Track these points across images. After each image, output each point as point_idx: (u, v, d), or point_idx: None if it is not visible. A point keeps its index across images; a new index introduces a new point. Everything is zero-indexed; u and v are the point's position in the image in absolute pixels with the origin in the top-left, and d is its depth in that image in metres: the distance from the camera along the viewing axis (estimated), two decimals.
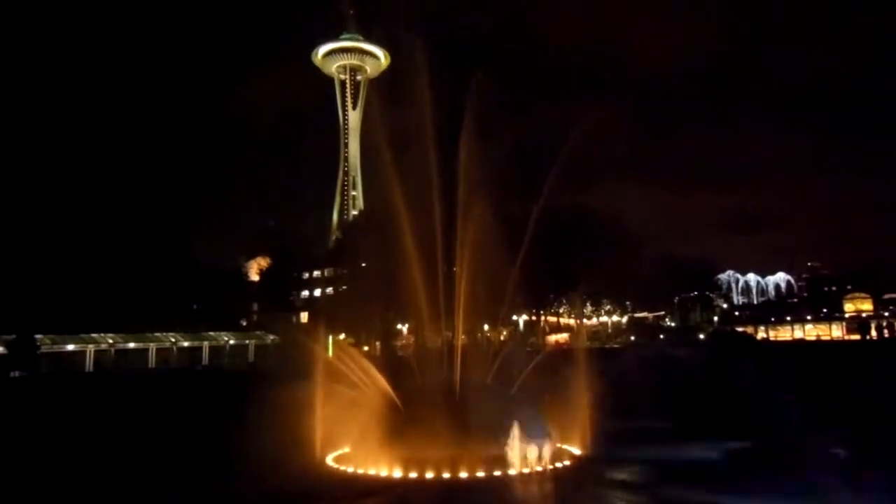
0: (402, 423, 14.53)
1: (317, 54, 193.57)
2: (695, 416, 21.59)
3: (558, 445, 15.29)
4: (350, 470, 14.31)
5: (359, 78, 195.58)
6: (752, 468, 14.30)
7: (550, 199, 18.08)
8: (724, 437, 17.69)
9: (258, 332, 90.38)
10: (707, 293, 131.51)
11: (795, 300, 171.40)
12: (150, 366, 71.18)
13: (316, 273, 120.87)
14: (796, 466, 12.77)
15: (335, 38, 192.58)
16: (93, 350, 68.66)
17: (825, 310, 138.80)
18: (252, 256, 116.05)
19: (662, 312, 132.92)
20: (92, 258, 76.84)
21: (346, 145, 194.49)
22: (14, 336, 56.98)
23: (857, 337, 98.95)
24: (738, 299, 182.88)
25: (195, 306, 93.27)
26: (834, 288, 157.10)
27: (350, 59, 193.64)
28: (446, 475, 13.23)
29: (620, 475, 13.72)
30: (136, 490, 13.88)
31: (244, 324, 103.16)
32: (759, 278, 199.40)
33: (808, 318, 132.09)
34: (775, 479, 13.24)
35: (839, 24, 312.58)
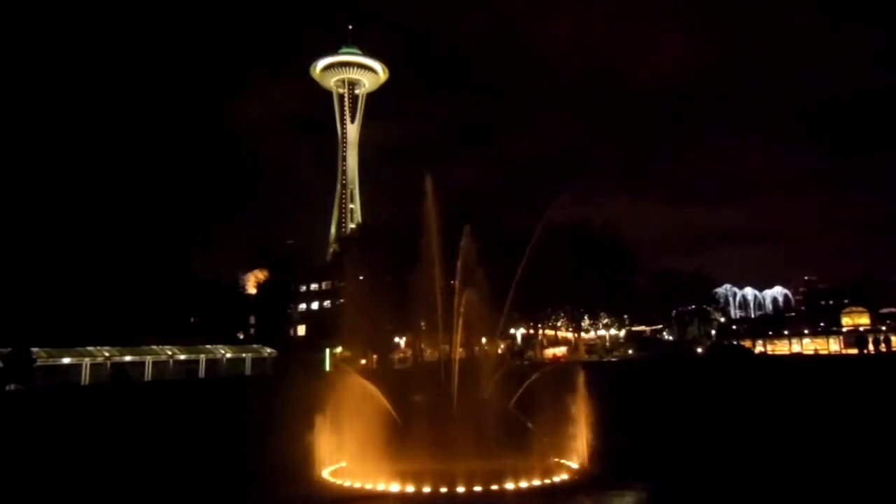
0: (399, 437, 14.52)
1: (315, 68, 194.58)
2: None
3: (555, 460, 15.26)
4: (346, 484, 14.26)
5: (357, 91, 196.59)
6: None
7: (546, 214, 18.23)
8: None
9: (255, 346, 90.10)
10: (705, 307, 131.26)
11: (793, 314, 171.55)
12: (146, 378, 70.84)
13: (314, 286, 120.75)
14: None
15: (334, 51, 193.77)
16: (89, 363, 68.31)
17: (822, 324, 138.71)
18: (250, 269, 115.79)
19: (660, 326, 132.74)
20: (89, 271, 76.60)
21: (345, 158, 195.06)
22: (9, 349, 56.67)
23: (854, 351, 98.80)
24: (735, 313, 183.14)
25: (192, 319, 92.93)
26: (831, 302, 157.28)
27: (348, 72, 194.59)
28: (443, 489, 13.18)
29: (619, 490, 13.68)
30: None
31: (241, 337, 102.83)
32: (757, 292, 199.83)
33: (806, 331, 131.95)
34: None
35: (838, 40, 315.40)
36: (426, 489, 13.25)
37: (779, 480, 14.36)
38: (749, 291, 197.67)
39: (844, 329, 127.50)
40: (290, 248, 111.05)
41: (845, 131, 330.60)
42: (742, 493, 13.43)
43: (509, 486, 13.45)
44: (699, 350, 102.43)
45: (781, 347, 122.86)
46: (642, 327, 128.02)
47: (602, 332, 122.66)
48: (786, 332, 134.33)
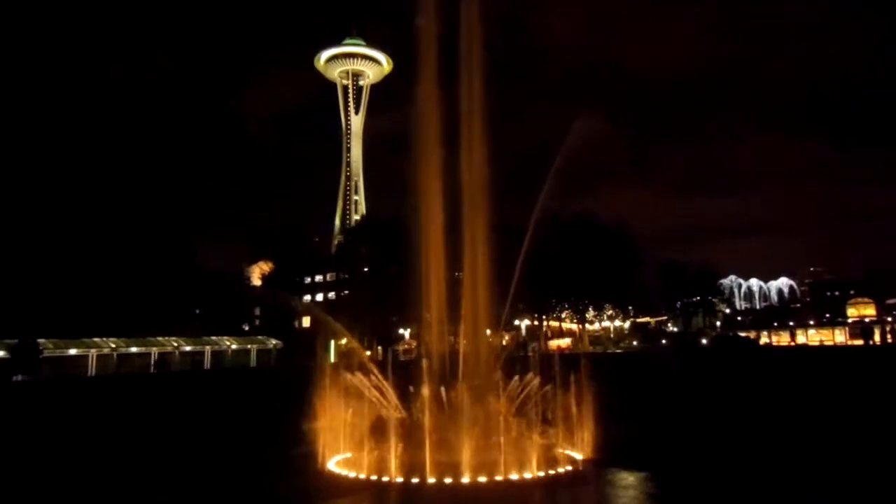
0: (403, 428, 14.55)
1: (319, 59, 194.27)
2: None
3: (559, 450, 15.28)
4: (352, 475, 14.32)
5: (361, 83, 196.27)
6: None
7: (553, 203, 17.96)
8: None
9: (260, 337, 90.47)
10: (709, 298, 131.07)
11: (798, 305, 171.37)
12: (152, 370, 71.30)
13: (318, 277, 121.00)
14: None
15: (338, 43, 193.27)
16: (95, 354, 68.74)
17: (828, 315, 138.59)
18: (254, 261, 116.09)
19: (665, 317, 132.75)
20: (94, 263, 76.93)
21: (349, 150, 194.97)
22: (17, 340, 57.05)
23: (860, 342, 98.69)
24: (740, 304, 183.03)
25: (197, 311, 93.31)
26: (837, 293, 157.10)
27: (352, 64, 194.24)
28: (448, 480, 13.22)
29: (622, 479, 13.70)
30: (137, 496, 13.90)
31: (246, 328, 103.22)
32: (762, 283, 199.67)
33: (811, 322, 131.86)
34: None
35: (841, 28, 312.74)
36: (431, 480, 13.30)
37: (781, 469, 14.36)
38: (754, 283, 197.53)
39: (850, 320, 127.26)
40: (295, 240, 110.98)
41: (851, 121, 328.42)
42: (744, 483, 13.42)
43: (513, 476, 13.48)
44: (704, 341, 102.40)
45: (786, 338, 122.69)
46: (647, 319, 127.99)
47: (606, 323, 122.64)
48: (791, 324, 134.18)
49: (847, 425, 20.24)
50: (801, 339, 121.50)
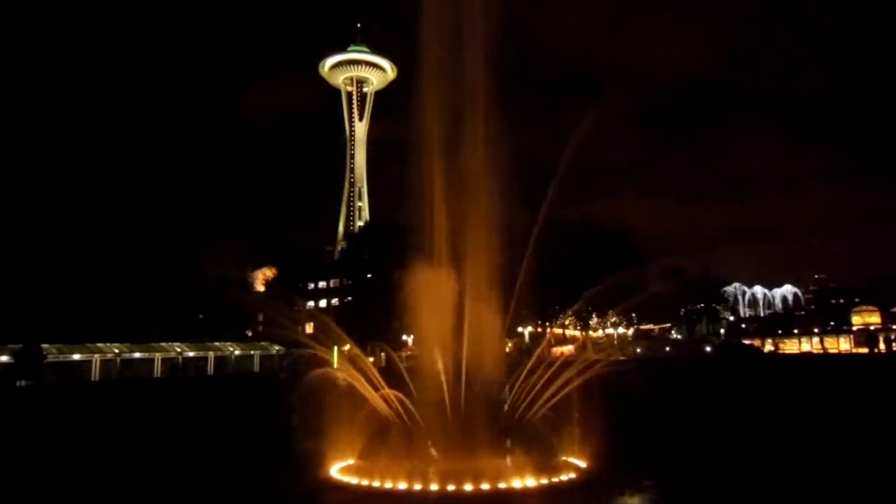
0: (406, 435, 14.49)
1: (324, 66, 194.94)
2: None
3: (563, 458, 15.20)
4: (354, 482, 14.26)
5: (365, 90, 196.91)
6: None
7: (556, 208, 17.84)
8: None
9: (263, 343, 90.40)
10: (714, 305, 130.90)
11: (803, 313, 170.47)
12: (155, 375, 71.32)
13: (322, 283, 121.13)
14: None
15: (342, 49, 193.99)
16: (98, 359, 68.77)
17: (832, 323, 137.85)
18: (257, 266, 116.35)
19: (669, 325, 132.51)
20: (98, 268, 77.06)
21: (353, 156, 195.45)
22: (20, 345, 57.13)
23: (865, 350, 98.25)
24: (744, 312, 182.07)
25: (201, 316, 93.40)
26: (841, 300, 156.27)
27: (357, 70, 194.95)
28: (451, 488, 13.15)
29: (625, 489, 13.61)
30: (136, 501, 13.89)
31: (249, 334, 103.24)
32: (766, 291, 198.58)
33: (816, 330, 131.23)
34: None
35: (845, 32, 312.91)
36: (433, 487, 13.23)
37: (784, 479, 14.26)
38: (758, 290, 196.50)
39: (855, 328, 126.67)
40: (298, 246, 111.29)
41: (857, 126, 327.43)
42: (749, 490, 13.34)
43: (517, 484, 13.41)
44: (708, 349, 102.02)
45: (791, 346, 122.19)
46: (650, 326, 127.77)
47: (610, 330, 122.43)
48: (795, 331, 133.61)
49: (851, 432, 20.11)
50: (805, 346, 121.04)
